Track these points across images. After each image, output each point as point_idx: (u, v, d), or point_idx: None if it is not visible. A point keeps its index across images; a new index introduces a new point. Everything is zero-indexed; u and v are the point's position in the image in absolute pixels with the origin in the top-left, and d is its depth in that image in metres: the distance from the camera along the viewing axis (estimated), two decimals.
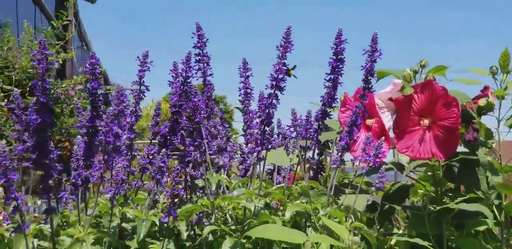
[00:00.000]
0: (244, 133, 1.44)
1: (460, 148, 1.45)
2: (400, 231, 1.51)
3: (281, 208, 1.20)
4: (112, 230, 1.07)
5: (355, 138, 1.17)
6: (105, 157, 1.00)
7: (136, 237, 1.08)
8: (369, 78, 1.20)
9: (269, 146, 1.10)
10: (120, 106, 1.06)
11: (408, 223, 1.42)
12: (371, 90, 1.23)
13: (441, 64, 1.37)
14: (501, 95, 1.41)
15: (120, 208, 1.10)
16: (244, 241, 1.08)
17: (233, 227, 1.11)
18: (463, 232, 1.39)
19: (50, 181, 0.97)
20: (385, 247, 1.51)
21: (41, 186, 0.96)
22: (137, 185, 1.23)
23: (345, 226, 1.02)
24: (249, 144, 1.28)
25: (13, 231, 0.97)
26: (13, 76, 3.25)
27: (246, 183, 1.17)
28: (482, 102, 1.45)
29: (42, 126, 0.93)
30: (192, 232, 1.18)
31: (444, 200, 1.41)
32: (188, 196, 1.22)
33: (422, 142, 1.33)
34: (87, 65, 1.06)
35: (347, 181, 1.36)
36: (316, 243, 0.97)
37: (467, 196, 1.43)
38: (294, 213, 1.10)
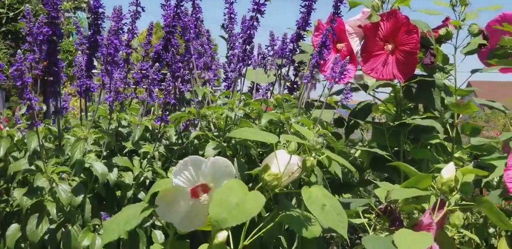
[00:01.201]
0: (227, 57, 1.56)
1: (421, 73, 1.61)
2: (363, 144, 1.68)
3: (259, 119, 1.35)
4: (111, 131, 1.21)
5: (326, 59, 1.31)
6: (107, 67, 1.13)
7: (131, 139, 1.23)
8: (338, 4, 1.32)
9: (249, 62, 1.24)
10: (119, 23, 1.18)
11: (371, 136, 1.59)
12: (340, 15, 1.35)
13: None
14: (458, 25, 1.55)
15: (117, 114, 1.24)
16: (225, 145, 1.23)
17: (215, 133, 1.26)
18: (417, 145, 1.56)
19: (58, 87, 1.11)
20: (350, 158, 1.68)
21: (51, 90, 1.09)
22: (131, 97, 1.37)
23: (312, 132, 1.17)
24: (232, 64, 1.42)
25: (27, 128, 1.11)
26: (5, 1, 3.31)
27: (228, 96, 1.32)
28: (442, 31, 1.59)
29: (53, 37, 1.06)
30: (180, 138, 1.33)
31: (403, 117, 1.57)
32: (177, 107, 1.36)
33: (385, 65, 1.47)
34: None
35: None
36: (286, 144, 1.12)
37: (425, 115, 1.59)
38: (269, 121, 1.24)
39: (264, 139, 1.10)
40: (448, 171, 1.23)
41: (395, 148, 1.57)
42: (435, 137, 1.51)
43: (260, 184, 1.10)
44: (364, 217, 1.36)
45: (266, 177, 1.09)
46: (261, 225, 1.12)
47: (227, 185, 1.04)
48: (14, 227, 1.17)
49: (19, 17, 3.06)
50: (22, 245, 1.18)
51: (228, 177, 1.06)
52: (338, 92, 1.54)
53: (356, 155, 1.70)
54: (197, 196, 1.06)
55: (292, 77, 1.51)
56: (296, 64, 1.45)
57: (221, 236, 1.09)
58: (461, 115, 1.70)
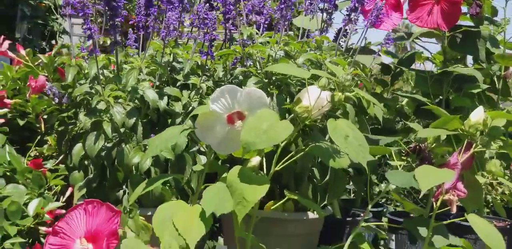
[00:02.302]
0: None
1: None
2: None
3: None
4: (163, 64, 1.33)
5: (364, 3, 1.36)
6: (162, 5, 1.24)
7: (182, 72, 1.35)
8: None
9: (290, 3, 1.31)
10: None
11: (414, 83, 1.64)
12: None
13: None
14: None
15: (171, 48, 1.36)
16: (266, 81, 1.33)
17: (259, 71, 1.36)
18: (460, 94, 1.60)
19: (117, 20, 1.23)
20: (397, 106, 1.74)
21: (110, 23, 1.22)
22: (187, 37, 1.48)
23: (345, 71, 1.24)
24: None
25: (88, 54, 1.24)
26: None
27: (270, 36, 1.40)
28: None
29: None
30: (227, 75, 1.43)
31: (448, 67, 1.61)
32: (228, 46, 1.46)
33: (430, 14, 1.51)
34: None
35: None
36: (316, 79, 1.20)
37: (473, 67, 1.63)
38: (307, 60, 1.33)
39: (298, 73, 1.19)
40: (477, 115, 1.28)
41: (440, 97, 1.62)
42: (477, 87, 1.54)
43: (292, 115, 1.19)
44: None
45: (297, 109, 1.18)
46: (292, 153, 1.22)
47: (260, 114, 1.13)
48: (78, 146, 1.31)
49: None
50: (85, 162, 1.33)
51: (262, 107, 1.16)
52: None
53: (403, 103, 1.76)
54: (233, 122, 1.16)
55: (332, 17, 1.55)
56: (340, 11, 1.51)
57: (255, 160, 1.20)
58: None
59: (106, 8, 1.20)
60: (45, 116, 1.48)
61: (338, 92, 1.16)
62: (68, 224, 1.06)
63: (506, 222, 1.52)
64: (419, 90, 1.63)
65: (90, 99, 1.26)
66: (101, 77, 1.27)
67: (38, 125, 1.55)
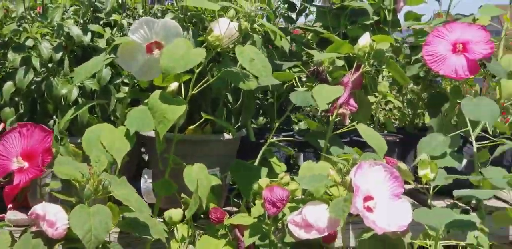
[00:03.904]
0: None
1: None
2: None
3: None
4: (87, 3, 1.41)
5: None
6: None
7: (104, 11, 1.46)
8: None
9: None
10: None
11: (315, 18, 1.81)
12: None
13: None
14: None
15: None
16: (182, 16, 1.46)
17: (176, 8, 1.49)
18: (356, 26, 1.77)
19: None
20: (304, 40, 1.89)
21: None
22: None
23: (250, 3, 1.38)
24: None
25: None
26: None
27: None
28: None
29: None
30: (146, 12, 1.56)
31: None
32: None
33: None
34: None
35: None
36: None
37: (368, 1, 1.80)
38: None
39: (209, 6, 1.33)
40: (364, 39, 1.46)
41: (339, 30, 1.79)
42: (369, 19, 1.72)
43: (205, 44, 1.33)
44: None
45: (209, 38, 1.32)
46: (206, 78, 1.37)
47: (175, 43, 1.27)
48: (9, 84, 1.39)
49: None
50: (16, 99, 1.43)
51: (176, 37, 1.29)
52: None
53: (309, 37, 1.92)
54: (151, 51, 1.30)
55: None
56: None
57: (173, 85, 1.34)
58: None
59: None
60: None
61: (244, 22, 1.31)
62: (4, 145, 1.18)
63: (396, 137, 1.73)
64: (321, 24, 1.79)
65: (18, 37, 1.36)
66: (28, 16, 1.37)
67: None
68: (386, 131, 1.83)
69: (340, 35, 1.75)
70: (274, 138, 1.54)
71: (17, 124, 1.17)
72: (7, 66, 1.44)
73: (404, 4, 1.91)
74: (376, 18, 1.72)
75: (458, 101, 1.54)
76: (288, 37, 1.67)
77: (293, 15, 1.86)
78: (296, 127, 2.11)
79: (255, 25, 1.37)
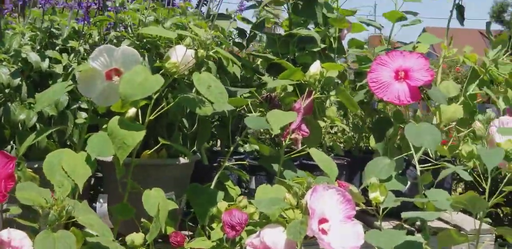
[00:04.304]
0: None
1: None
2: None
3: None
4: (43, 29, 1.46)
5: None
6: None
7: (61, 37, 1.48)
8: None
9: None
10: None
11: (265, 45, 1.88)
12: None
13: None
14: None
15: (49, 15, 1.49)
16: (138, 43, 1.50)
17: (131, 35, 1.53)
18: (304, 52, 1.85)
19: None
20: (253, 65, 1.96)
21: None
22: (63, 6, 1.60)
23: (205, 32, 1.43)
24: None
25: None
26: None
27: (140, 3, 1.57)
28: None
29: None
30: (102, 39, 1.58)
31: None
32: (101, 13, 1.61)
33: None
34: None
35: None
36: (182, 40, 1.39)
37: (314, 30, 1.88)
38: (173, 24, 1.51)
39: (166, 34, 1.38)
40: (315, 67, 1.53)
41: (287, 56, 1.86)
42: (316, 46, 1.80)
43: (162, 70, 1.37)
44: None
45: (166, 65, 1.36)
46: (163, 104, 1.41)
47: (134, 70, 1.30)
48: None
49: None
50: None
51: (135, 64, 1.33)
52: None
53: (258, 63, 1.99)
54: (111, 78, 1.33)
55: None
56: None
57: (131, 111, 1.36)
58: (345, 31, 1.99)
59: None
60: None
61: (200, 49, 1.36)
62: None
63: (344, 160, 1.81)
64: (270, 50, 1.86)
65: None
66: None
67: None
68: (333, 154, 1.91)
69: (289, 61, 1.82)
70: (227, 161, 1.59)
71: None
72: None
73: (348, 31, 2.01)
74: (323, 45, 1.80)
75: (401, 125, 1.64)
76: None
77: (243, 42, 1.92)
78: (241, 149, 2.17)
79: (210, 53, 1.42)
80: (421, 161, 1.60)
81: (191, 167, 1.58)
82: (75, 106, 1.48)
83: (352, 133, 1.97)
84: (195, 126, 1.56)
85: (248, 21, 1.91)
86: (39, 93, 1.30)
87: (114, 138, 1.27)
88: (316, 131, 1.56)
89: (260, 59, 1.96)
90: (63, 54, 1.48)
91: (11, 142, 1.42)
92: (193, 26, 1.40)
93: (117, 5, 1.51)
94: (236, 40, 1.93)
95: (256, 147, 1.86)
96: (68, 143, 1.48)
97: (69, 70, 1.47)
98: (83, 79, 1.32)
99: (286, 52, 1.83)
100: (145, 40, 1.49)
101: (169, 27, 1.47)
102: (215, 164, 1.75)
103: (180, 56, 1.36)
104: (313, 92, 1.53)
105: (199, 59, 1.37)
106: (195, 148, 1.59)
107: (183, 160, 1.51)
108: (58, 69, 1.45)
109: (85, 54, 1.51)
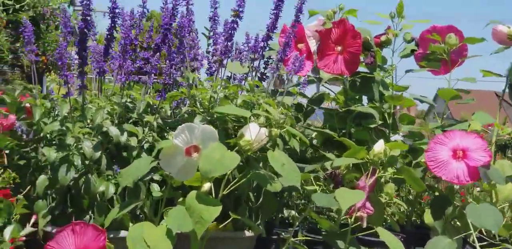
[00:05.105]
0: (207, 52, 1.89)
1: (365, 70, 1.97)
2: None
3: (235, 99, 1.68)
4: (122, 104, 1.53)
5: (288, 55, 1.65)
6: (122, 53, 1.45)
7: (136, 111, 1.56)
8: (299, 14, 1.65)
9: (229, 55, 1.57)
10: (131, 21, 1.50)
11: (324, 120, 1.94)
12: (300, 22, 1.68)
13: (353, 8, 1.87)
14: (395, 34, 1.92)
15: (126, 91, 1.56)
16: (209, 118, 1.57)
17: (201, 110, 1.60)
18: (360, 128, 1.91)
19: (84, 67, 1.42)
20: (308, 138, 2.02)
21: (79, 70, 1.41)
22: (135, 80, 1.69)
23: (276, 110, 1.50)
24: (214, 56, 1.74)
25: (62, 97, 1.42)
26: None
27: (211, 81, 1.65)
28: (383, 38, 1.95)
29: (84, 29, 1.37)
30: (173, 114, 1.66)
31: (349, 105, 1.93)
32: (171, 89, 1.68)
33: (335, 62, 1.83)
34: None
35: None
36: (257, 117, 1.46)
37: (368, 105, 1.95)
38: (243, 101, 1.58)
39: (241, 113, 1.44)
40: (379, 146, 1.59)
41: (343, 131, 1.93)
42: (373, 122, 1.86)
43: (236, 148, 1.43)
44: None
45: (241, 143, 1.42)
46: (235, 180, 1.46)
47: (212, 146, 1.37)
48: (43, 177, 1.46)
49: (22, 8, 3.32)
50: (48, 191, 1.49)
51: (213, 141, 1.39)
52: (298, 84, 1.90)
53: (313, 136, 2.05)
54: (190, 154, 1.39)
55: (262, 69, 1.84)
56: (266, 59, 1.79)
57: (206, 186, 1.42)
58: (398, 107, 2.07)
59: (77, 56, 1.39)
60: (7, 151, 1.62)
61: (274, 128, 1.42)
62: (58, 243, 1.23)
63: (399, 236, 1.83)
64: (327, 125, 1.93)
65: (60, 135, 1.44)
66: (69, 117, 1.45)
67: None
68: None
69: (346, 135, 1.88)
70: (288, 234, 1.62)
71: (71, 223, 1.22)
72: (41, 159, 1.50)
73: (400, 107, 2.09)
74: (380, 122, 1.86)
75: (458, 204, 1.67)
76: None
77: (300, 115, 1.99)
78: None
79: (282, 131, 1.48)
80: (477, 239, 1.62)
81: (254, 240, 1.61)
82: (147, 178, 1.53)
83: (405, 208, 2.01)
84: (261, 199, 1.60)
85: (304, 95, 1.98)
86: (122, 169, 1.36)
87: (192, 212, 1.32)
88: (379, 208, 1.60)
89: (314, 133, 2.02)
90: (137, 127, 1.55)
91: (90, 212, 1.46)
92: (266, 105, 1.46)
93: (190, 81, 1.58)
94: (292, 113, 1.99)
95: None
96: (138, 212, 1.52)
97: (143, 143, 1.53)
98: (166, 155, 1.37)
99: (343, 127, 1.89)
100: (215, 116, 1.56)
101: (240, 105, 1.54)
102: (273, 237, 1.78)
103: (254, 134, 1.42)
104: (377, 171, 1.57)
105: (272, 138, 1.42)
106: (259, 221, 1.63)
107: (248, 233, 1.55)
108: (133, 142, 1.51)
109: (157, 128, 1.57)
